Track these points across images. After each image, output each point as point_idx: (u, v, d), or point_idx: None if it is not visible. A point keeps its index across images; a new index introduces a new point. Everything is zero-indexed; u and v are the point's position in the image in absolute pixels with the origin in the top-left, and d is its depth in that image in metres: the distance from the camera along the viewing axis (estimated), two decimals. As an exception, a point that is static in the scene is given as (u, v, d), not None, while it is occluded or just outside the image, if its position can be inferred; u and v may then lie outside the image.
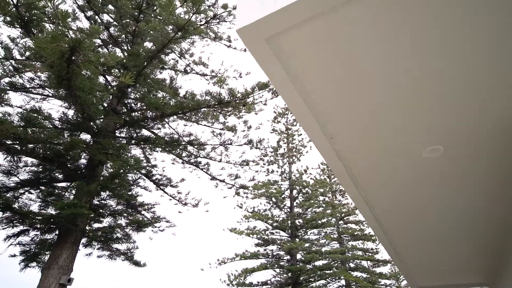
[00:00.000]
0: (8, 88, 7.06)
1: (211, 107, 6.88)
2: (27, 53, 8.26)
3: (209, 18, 7.82)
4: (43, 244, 7.55)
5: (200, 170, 8.83)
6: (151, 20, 6.73)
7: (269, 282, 17.57)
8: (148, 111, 7.98)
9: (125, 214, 7.37)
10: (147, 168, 7.82)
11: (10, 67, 7.73)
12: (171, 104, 7.41)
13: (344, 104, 1.57)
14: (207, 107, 6.93)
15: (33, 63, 8.04)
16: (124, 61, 6.84)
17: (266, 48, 1.31)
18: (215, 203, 15.43)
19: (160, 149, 8.14)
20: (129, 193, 7.36)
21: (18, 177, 7.23)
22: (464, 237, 2.62)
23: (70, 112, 7.67)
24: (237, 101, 6.70)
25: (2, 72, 7.80)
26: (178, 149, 8.12)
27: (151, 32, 6.41)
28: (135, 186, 7.55)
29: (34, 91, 7.99)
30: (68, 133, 7.34)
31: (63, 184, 8.09)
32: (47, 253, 7.78)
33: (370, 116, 1.65)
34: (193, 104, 6.90)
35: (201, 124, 9.41)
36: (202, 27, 7.50)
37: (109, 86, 7.40)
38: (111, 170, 5.77)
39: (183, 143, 7.95)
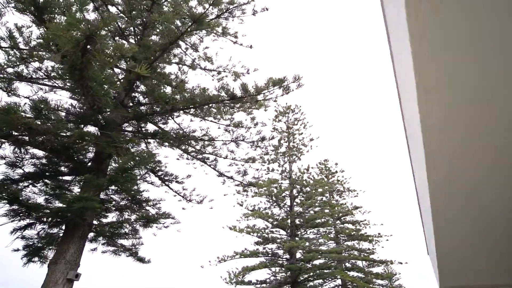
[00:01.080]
0: (14, 78, 6.87)
1: (223, 102, 6.77)
2: (33, 43, 8.09)
3: (221, 12, 7.69)
4: (47, 238, 7.39)
5: (207, 166, 8.72)
6: (164, 12, 6.59)
7: (268, 280, 17.54)
8: (157, 105, 7.84)
9: (129, 210, 7.23)
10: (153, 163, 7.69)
11: (16, 57, 7.55)
12: (182, 98, 7.28)
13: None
14: (220, 102, 6.82)
15: (40, 53, 7.86)
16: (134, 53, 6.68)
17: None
18: (215, 200, 15.31)
19: (168, 144, 8.01)
20: (135, 188, 7.22)
21: (23, 170, 7.06)
22: None
23: (74, 103, 7.51)
24: (251, 96, 6.61)
25: (8, 62, 7.61)
26: (186, 145, 7.99)
27: (165, 23, 6.27)
28: (142, 181, 7.42)
29: (40, 82, 7.81)
30: (73, 125, 7.18)
31: (67, 178, 7.95)
32: (51, 248, 7.63)
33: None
34: (205, 99, 6.78)
35: (207, 120, 9.29)
36: (213, 20, 7.36)
37: (117, 79, 7.25)
38: (122, 163, 5.63)
39: (195, 138, 7.82)
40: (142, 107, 8.45)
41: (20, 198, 5.85)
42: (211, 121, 9.31)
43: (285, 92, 8.12)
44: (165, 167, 7.94)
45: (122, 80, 7.79)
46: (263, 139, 7.45)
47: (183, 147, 8.13)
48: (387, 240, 25.12)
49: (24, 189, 7.23)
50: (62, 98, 7.43)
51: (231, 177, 9.17)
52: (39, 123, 5.36)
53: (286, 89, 7.97)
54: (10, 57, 7.94)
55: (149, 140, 8.04)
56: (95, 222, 6.76)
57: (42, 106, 5.20)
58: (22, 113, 5.30)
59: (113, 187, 7.51)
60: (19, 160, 6.90)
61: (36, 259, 7.72)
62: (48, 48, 7.92)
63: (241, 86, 6.49)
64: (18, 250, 7.30)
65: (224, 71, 10.37)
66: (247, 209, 18.39)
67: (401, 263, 22.61)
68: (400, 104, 2.12)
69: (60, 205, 6.56)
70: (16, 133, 5.63)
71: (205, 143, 8.18)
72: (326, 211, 20.21)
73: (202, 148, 8.50)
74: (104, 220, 6.91)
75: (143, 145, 9.40)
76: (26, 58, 7.27)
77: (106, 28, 4.46)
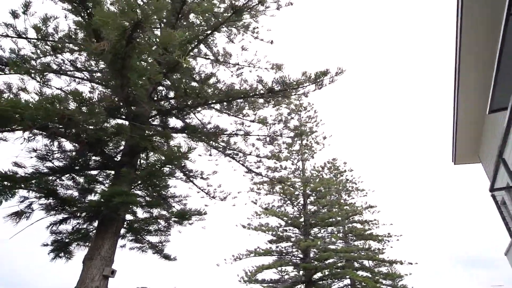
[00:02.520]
0: (47, 69, 6.70)
1: (262, 96, 6.57)
2: (60, 34, 7.91)
3: (254, 4, 7.48)
4: (79, 233, 7.25)
5: (235, 162, 8.53)
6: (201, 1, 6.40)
7: (282, 279, 17.39)
8: (188, 99, 7.65)
9: (160, 206, 7.06)
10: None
11: (44, 48, 7.38)
12: (216, 92, 7.09)
13: None
14: (256, 96, 6.62)
15: (68, 44, 7.69)
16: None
17: None
18: (232, 198, 15.12)
19: (197, 139, 7.82)
20: (165, 183, 7.04)
21: (52, 163, 6.89)
22: None
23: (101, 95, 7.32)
24: (290, 90, 6.41)
25: (37, 53, 7.44)
26: (215, 140, 7.80)
27: (204, 13, 6.08)
28: (171, 177, 7.24)
29: (68, 74, 7.63)
30: (104, 118, 7.00)
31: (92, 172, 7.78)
32: (79, 243, 7.48)
33: None
34: (241, 92, 6.59)
35: (232, 115, 9.09)
36: (246, 13, 7.14)
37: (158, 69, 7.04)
38: (164, 156, 5.45)
39: (230, 133, 7.63)
40: (170, 101, 8.27)
41: (57, 192, 5.68)
42: (237, 116, 9.11)
43: (318, 87, 7.89)
44: (194, 162, 7.75)
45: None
46: (301, 134, 7.25)
47: (212, 143, 7.93)
48: (398, 240, 24.98)
49: (51, 183, 7.09)
50: (87, 90, 7.21)
51: (260, 174, 8.99)
52: (79, 114, 5.16)
53: (319, 83, 7.75)
54: (38, 49, 7.80)
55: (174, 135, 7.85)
56: (129, 217, 6.59)
57: (81, 97, 5.02)
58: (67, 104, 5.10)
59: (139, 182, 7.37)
60: (49, 153, 6.74)
61: (61, 254, 7.60)
62: (74, 39, 7.77)
63: (280, 79, 6.29)
64: (47, 245, 7.15)
65: (249, 66, 10.18)
66: (261, 207, 18.22)
67: (411, 263, 22.45)
68: None
69: (93, 199, 6.39)
70: (52, 125, 5.45)
71: (237, 138, 8.00)
72: (335, 210, 20.05)
73: (233, 144, 8.30)
74: (135, 216, 6.72)
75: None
76: (56, 49, 7.11)
77: (157, 15, 4.26)
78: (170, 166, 5.75)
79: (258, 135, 7.97)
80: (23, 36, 7.73)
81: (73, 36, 7.65)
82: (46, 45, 7.68)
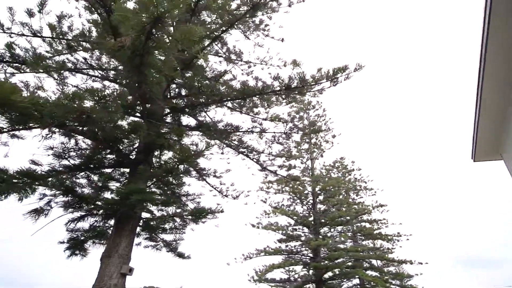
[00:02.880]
0: (64, 67, 6.71)
1: (277, 93, 6.51)
2: (74, 32, 7.93)
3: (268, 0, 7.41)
4: (95, 231, 7.26)
5: (249, 160, 8.47)
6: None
7: (292, 279, 17.31)
8: (201, 97, 7.61)
9: (175, 204, 7.04)
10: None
11: (59, 46, 7.41)
12: (229, 89, 7.04)
13: None
14: (272, 93, 6.56)
15: (82, 42, 7.70)
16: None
17: None
18: (244, 196, 15.07)
19: (211, 136, 7.78)
20: (180, 181, 7.02)
21: (68, 161, 6.91)
22: None
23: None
24: (307, 86, 6.32)
25: (52, 52, 7.47)
26: (228, 139, 7.76)
27: (219, 9, 6.03)
28: (187, 174, 7.21)
29: (84, 72, 7.65)
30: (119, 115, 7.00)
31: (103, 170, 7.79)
32: (94, 241, 7.49)
33: None
34: (257, 90, 6.53)
35: (244, 113, 9.03)
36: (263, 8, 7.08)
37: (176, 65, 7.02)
38: (180, 154, 5.41)
39: (245, 130, 7.57)
40: (183, 99, 8.24)
41: (75, 189, 5.68)
42: (249, 114, 9.04)
43: (333, 84, 7.79)
44: (210, 159, 7.71)
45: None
46: (317, 130, 7.16)
47: (225, 141, 7.89)
48: (408, 239, 24.70)
49: (65, 181, 7.10)
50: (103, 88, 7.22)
51: (275, 172, 8.92)
52: (97, 111, 5.15)
53: (334, 80, 7.65)
54: (52, 47, 7.84)
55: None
56: (145, 215, 6.57)
57: (100, 94, 5.01)
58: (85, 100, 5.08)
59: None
60: (66, 151, 6.76)
61: (77, 252, 7.62)
62: (89, 37, 7.78)
63: (297, 75, 6.21)
64: (63, 242, 7.18)
65: (261, 64, 10.11)
66: (270, 206, 18.16)
67: (421, 263, 22.18)
68: None
69: (110, 197, 6.38)
70: (70, 122, 5.44)
71: (250, 136, 7.93)
72: (344, 209, 19.88)
73: (246, 142, 8.24)
74: (152, 214, 6.71)
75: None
76: (72, 47, 7.13)
77: (178, 9, 4.21)
78: (186, 164, 5.71)
79: (274, 132, 7.90)
80: (38, 34, 7.79)
81: (87, 34, 7.67)
82: (60, 43, 7.73)
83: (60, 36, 7.54)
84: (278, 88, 6.47)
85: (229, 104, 8.51)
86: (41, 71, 5.79)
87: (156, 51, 4.92)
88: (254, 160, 8.33)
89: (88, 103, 5.33)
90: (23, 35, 7.72)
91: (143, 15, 4.33)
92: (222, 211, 6.25)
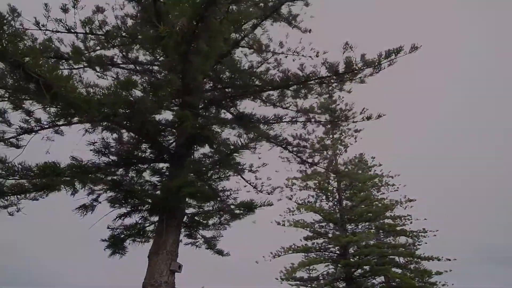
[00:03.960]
0: (100, 60, 6.57)
1: (322, 80, 6.18)
2: (106, 27, 7.80)
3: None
4: (133, 229, 7.10)
5: (289, 153, 8.18)
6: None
7: (320, 276, 16.94)
8: (238, 88, 7.34)
9: (219, 198, 6.81)
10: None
11: (99, 40, 7.29)
12: (268, 79, 6.75)
13: None
14: (318, 79, 6.23)
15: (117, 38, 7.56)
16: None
17: None
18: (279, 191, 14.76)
19: (248, 129, 7.50)
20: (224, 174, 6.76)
21: (108, 157, 6.75)
22: None
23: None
24: (358, 70, 5.98)
25: (91, 46, 7.35)
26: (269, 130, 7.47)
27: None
28: (232, 168, 6.94)
29: (120, 66, 7.52)
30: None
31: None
32: (137, 239, 7.33)
33: None
34: (301, 77, 6.21)
35: (278, 106, 8.70)
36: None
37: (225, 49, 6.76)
38: (232, 146, 5.17)
39: (289, 120, 7.28)
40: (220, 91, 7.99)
41: (123, 184, 5.50)
42: (281, 107, 8.71)
43: (376, 71, 7.37)
44: (254, 152, 7.42)
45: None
46: (368, 118, 6.80)
47: (264, 133, 7.59)
48: (434, 235, 23.90)
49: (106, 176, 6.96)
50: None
51: (316, 164, 8.60)
52: (147, 101, 4.94)
53: (377, 67, 7.22)
54: (87, 42, 7.73)
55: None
56: (188, 211, 6.37)
57: (150, 82, 4.81)
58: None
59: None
60: (107, 146, 6.60)
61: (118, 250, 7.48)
62: (117, 32, 7.62)
63: (346, 60, 5.87)
64: (105, 240, 7.05)
65: (293, 55, 9.78)
66: (296, 202, 17.83)
67: (449, 259, 21.41)
68: None
69: (155, 192, 6.19)
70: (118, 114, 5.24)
71: (289, 129, 7.65)
72: (372, 204, 19.35)
73: (280, 134, 7.94)
74: (200, 208, 6.48)
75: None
76: (111, 38, 6.99)
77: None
78: (241, 154, 5.44)
79: (320, 120, 7.56)
80: (72, 30, 7.69)
81: (122, 28, 7.52)
82: (96, 38, 7.61)
83: (95, 31, 7.43)
84: (325, 75, 6.13)
85: (264, 97, 8.21)
86: (84, 64, 5.67)
87: (209, 35, 4.66)
88: (294, 153, 8.02)
89: (135, 93, 5.14)
90: (57, 31, 7.65)
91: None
92: (271, 204, 5.96)
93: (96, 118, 4.77)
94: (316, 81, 6.36)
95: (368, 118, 6.70)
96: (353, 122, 6.97)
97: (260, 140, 5.12)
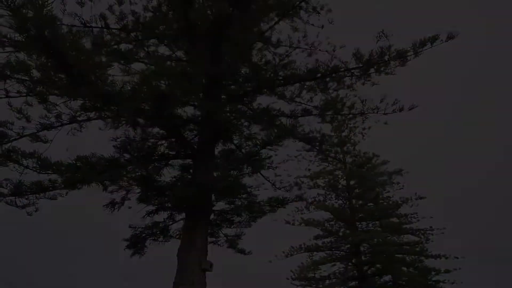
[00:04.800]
0: (129, 54, 6.37)
1: (352, 72, 6.00)
2: (123, 21, 7.60)
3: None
4: (155, 227, 6.89)
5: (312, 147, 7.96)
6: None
7: (332, 275, 16.73)
8: (261, 81, 7.12)
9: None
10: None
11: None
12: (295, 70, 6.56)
13: None
14: (347, 70, 6.05)
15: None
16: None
17: None
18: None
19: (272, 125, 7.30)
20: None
21: (130, 153, 6.53)
22: None
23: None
24: (391, 60, 5.79)
25: (109, 40, 7.14)
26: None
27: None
28: (267, 161, 6.75)
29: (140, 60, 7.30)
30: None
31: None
32: (158, 239, 7.12)
33: None
34: (330, 68, 6.02)
35: (296, 101, 8.49)
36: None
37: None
38: (264, 139, 4.97)
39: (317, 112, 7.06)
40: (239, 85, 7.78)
41: (154, 180, 5.28)
42: (300, 102, 8.50)
43: (401, 64, 7.18)
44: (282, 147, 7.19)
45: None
46: (401, 109, 6.61)
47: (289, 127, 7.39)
48: (442, 233, 23.72)
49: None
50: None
51: (336, 157, 8.40)
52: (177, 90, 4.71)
53: (403, 59, 7.01)
54: (105, 36, 7.52)
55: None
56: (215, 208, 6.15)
57: (180, 70, 4.59)
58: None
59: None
60: (129, 142, 6.38)
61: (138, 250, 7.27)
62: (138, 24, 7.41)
63: (379, 49, 5.69)
64: (126, 239, 6.83)
65: (310, 49, 9.58)
66: (306, 201, 17.56)
67: (457, 257, 21.26)
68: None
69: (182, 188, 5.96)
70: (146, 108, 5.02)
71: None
72: (384, 203, 19.17)
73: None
74: (231, 204, 6.26)
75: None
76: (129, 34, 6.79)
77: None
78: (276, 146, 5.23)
79: (350, 113, 7.36)
80: (88, 25, 7.48)
81: (142, 21, 7.31)
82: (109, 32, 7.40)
83: (115, 25, 7.23)
84: (355, 66, 5.94)
85: (290, 90, 7.98)
86: (117, 58, 5.45)
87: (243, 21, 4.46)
88: (317, 147, 7.81)
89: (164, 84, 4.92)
90: (73, 26, 7.43)
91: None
92: (302, 199, 5.75)
93: (128, 111, 4.55)
94: (346, 72, 6.17)
95: (401, 109, 6.49)
96: (384, 114, 6.74)
97: (288, 135, 4.90)
